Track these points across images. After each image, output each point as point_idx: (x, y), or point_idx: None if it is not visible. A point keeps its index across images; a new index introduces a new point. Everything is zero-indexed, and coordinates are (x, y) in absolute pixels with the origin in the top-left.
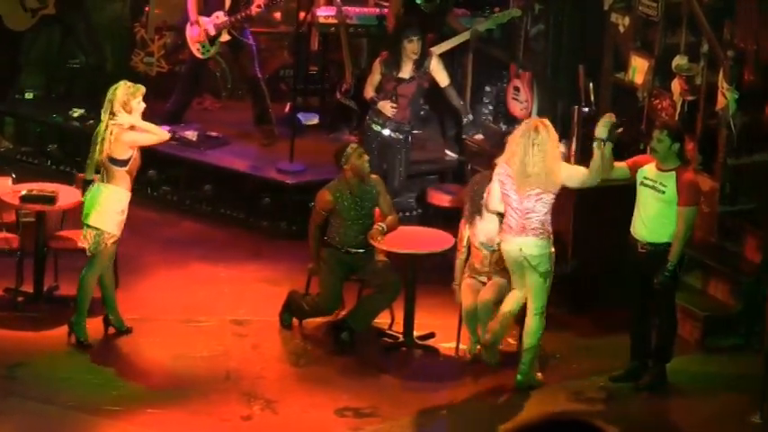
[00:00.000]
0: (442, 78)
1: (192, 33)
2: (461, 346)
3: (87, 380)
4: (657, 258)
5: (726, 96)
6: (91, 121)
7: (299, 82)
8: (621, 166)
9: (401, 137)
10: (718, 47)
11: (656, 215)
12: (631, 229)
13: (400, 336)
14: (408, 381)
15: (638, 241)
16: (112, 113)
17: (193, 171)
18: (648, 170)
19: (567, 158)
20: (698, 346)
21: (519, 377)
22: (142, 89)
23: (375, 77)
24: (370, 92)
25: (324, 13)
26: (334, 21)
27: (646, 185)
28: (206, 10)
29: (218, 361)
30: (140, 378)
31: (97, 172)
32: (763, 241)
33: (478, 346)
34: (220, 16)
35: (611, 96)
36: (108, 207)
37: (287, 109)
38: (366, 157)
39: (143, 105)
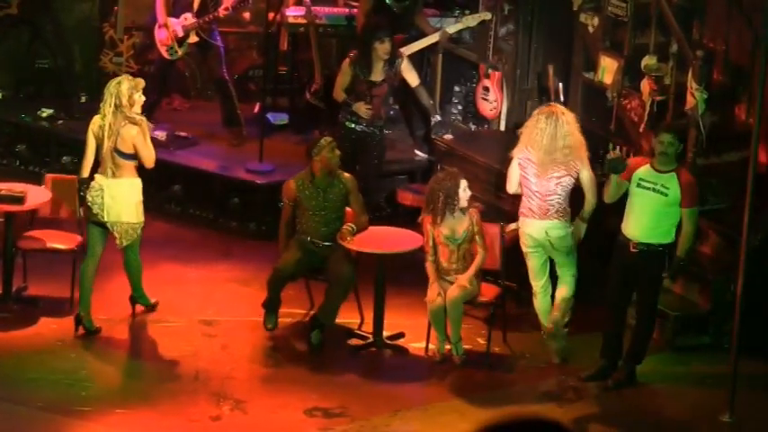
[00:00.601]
0: (413, 79)
1: (160, 35)
2: (430, 346)
3: (56, 380)
4: (649, 259)
5: (695, 96)
6: (60, 122)
7: (269, 82)
8: (623, 182)
9: (376, 131)
10: (688, 47)
11: (653, 216)
12: (623, 229)
13: (370, 336)
14: (378, 381)
15: (630, 241)
16: (117, 107)
17: (163, 171)
18: (644, 172)
19: None
20: (668, 346)
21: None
22: (142, 82)
23: (345, 79)
24: (340, 94)
25: (293, 14)
26: (304, 21)
27: (644, 187)
28: (174, 11)
29: (188, 361)
30: (109, 378)
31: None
32: (732, 241)
33: (447, 346)
34: (188, 18)
35: (580, 96)
36: (130, 200)
37: (256, 109)
38: (338, 153)
39: (143, 98)
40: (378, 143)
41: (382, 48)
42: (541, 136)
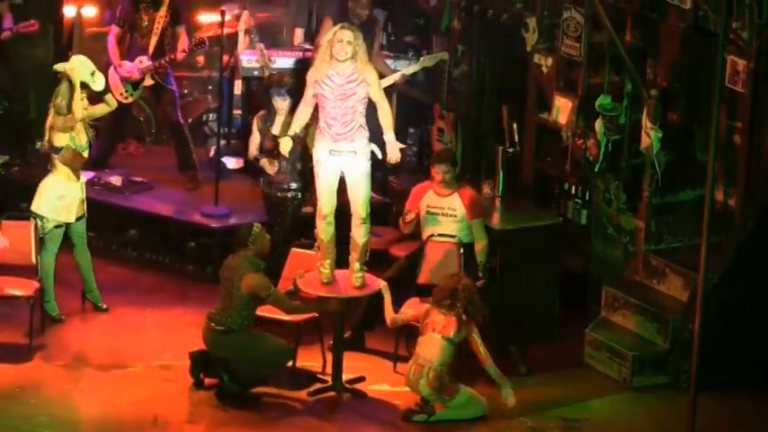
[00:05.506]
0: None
1: (115, 78)
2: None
3: (15, 426)
4: None
5: (649, 135)
6: (15, 168)
7: (223, 126)
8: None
9: (288, 195)
10: (642, 86)
11: None
12: None
13: (329, 380)
14: (336, 425)
15: None
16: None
17: (118, 216)
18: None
19: (491, 199)
20: (626, 386)
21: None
22: None
23: (255, 136)
24: (252, 151)
25: (247, 57)
26: (257, 65)
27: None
28: (129, 55)
29: (146, 406)
30: (68, 424)
31: None
32: (688, 279)
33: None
34: (144, 61)
35: (535, 137)
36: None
37: (211, 153)
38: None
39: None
40: (293, 209)
41: (276, 103)
42: None
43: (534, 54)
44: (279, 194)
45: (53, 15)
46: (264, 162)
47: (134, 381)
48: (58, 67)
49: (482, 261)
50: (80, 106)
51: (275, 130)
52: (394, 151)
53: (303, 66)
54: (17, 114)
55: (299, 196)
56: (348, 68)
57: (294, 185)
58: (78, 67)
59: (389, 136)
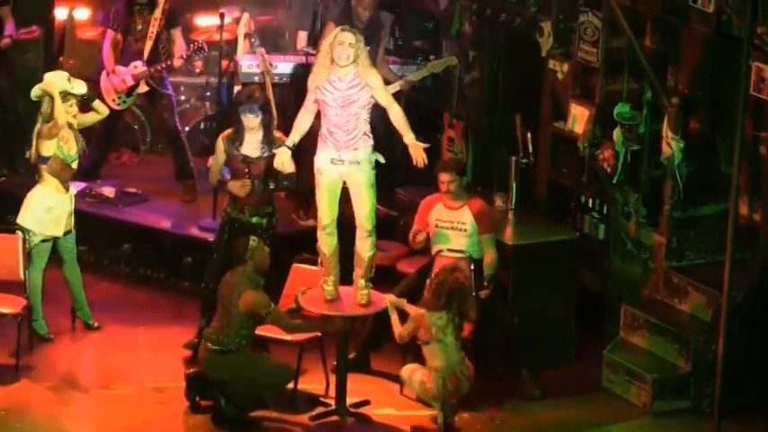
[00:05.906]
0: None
1: (107, 84)
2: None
3: None
4: None
5: (670, 145)
6: (2, 178)
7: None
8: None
9: (263, 221)
10: (662, 94)
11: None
12: None
13: (332, 403)
14: None
15: None
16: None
17: (111, 229)
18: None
19: (504, 212)
20: (646, 411)
21: None
22: None
23: (219, 157)
24: (215, 176)
25: (247, 63)
26: (258, 70)
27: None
28: (123, 59)
29: (139, 431)
30: None
31: None
32: (711, 298)
33: None
34: (138, 66)
35: (549, 147)
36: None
37: (209, 163)
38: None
39: None
40: (268, 236)
41: (246, 120)
42: None
43: (549, 60)
44: (254, 220)
45: (43, 18)
46: (234, 185)
47: (126, 404)
48: (35, 92)
49: (489, 273)
50: (62, 112)
51: (245, 149)
52: (418, 153)
53: (305, 71)
54: (11, 122)
55: (275, 222)
56: (350, 74)
57: (269, 209)
58: (53, 80)
59: (409, 138)
